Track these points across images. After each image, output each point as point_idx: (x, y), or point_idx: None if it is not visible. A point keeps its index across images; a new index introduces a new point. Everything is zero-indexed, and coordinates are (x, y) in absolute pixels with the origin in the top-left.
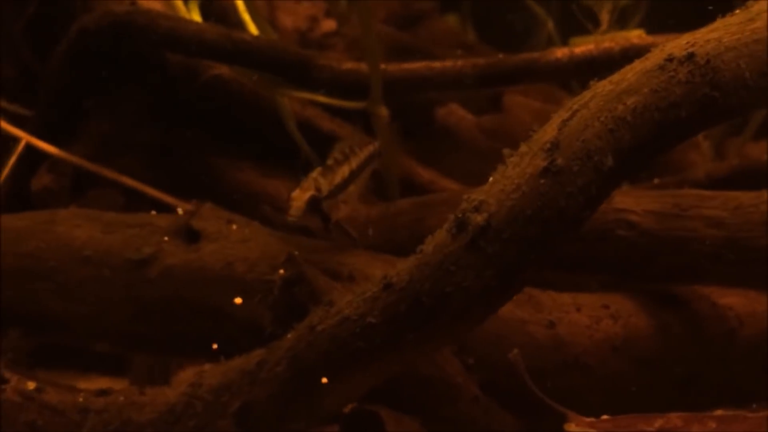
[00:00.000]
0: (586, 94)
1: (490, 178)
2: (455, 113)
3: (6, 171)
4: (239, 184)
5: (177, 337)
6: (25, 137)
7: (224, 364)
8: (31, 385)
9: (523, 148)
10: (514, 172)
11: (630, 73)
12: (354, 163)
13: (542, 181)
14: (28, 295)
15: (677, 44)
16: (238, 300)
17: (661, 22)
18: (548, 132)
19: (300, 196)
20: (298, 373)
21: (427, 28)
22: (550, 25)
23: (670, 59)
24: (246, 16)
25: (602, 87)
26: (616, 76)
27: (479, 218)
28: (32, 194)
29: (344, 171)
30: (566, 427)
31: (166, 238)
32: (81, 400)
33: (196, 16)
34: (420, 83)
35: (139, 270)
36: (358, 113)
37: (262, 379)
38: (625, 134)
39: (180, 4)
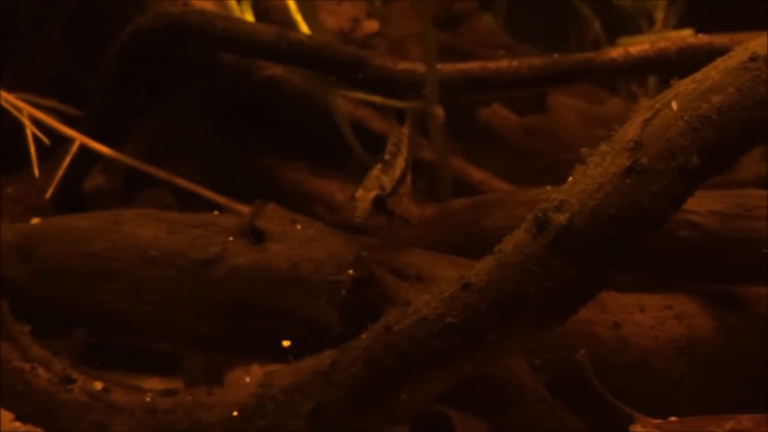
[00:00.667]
0: (668, 93)
1: (569, 178)
2: (498, 113)
3: (61, 172)
4: (291, 184)
5: (242, 337)
6: (79, 138)
7: (295, 364)
8: (99, 385)
9: (604, 147)
10: (596, 171)
11: (713, 71)
12: (405, 153)
13: (626, 180)
14: (94, 295)
15: (760, 43)
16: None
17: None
18: (630, 131)
19: (365, 196)
20: (374, 373)
21: (468, 28)
22: (597, 25)
23: (754, 58)
24: (298, 16)
25: (685, 86)
26: (698, 75)
27: (561, 218)
28: (84, 195)
29: (401, 163)
30: (632, 428)
31: (230, 239)
32: (148, 400)
33: (250, 17)
34: (475, 83)
35: (206, 270)
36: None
37: (336, 380)
38: (710, 133)
39: (233, 4)
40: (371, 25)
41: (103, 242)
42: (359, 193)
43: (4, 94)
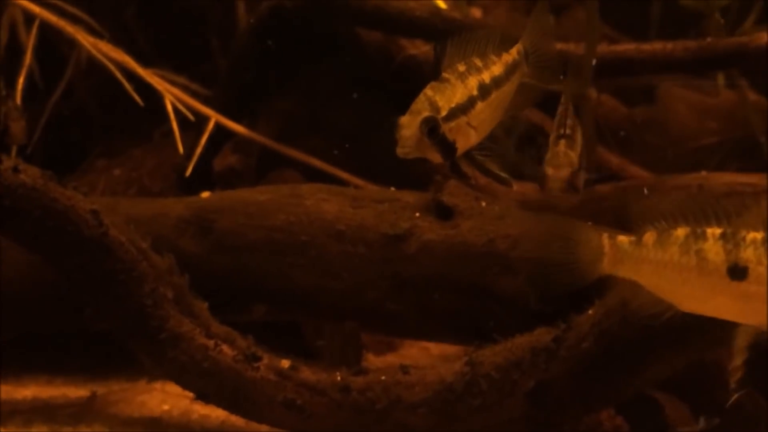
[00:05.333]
0: None
1: None
2: (606, 104)
3: (199, 150)
4: (429, 167)
5: (431, 314)
6: (214, 116)
7: (507, 341)
8: (286, 363)
9: None
10: None
11: None
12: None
13: None
14: (277, 270)
15: None
16: None
17: None
18: None
19: (557, 174)
20: (607, 350)
21: (569, 17)
22: (717, 15)
23: None
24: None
25: None
26: None
27: None
28: (214, 174)
29: (580, 138)
30: None
31: (417, 214)
32: (339, 379)
33: None
34: (629, 65)
35: (397, 245)
36: None
37: (561, 357)
38: None
39: None
40: (475, 12)
41: (285, 216)
42: (551, 171)
43: (143, 70)
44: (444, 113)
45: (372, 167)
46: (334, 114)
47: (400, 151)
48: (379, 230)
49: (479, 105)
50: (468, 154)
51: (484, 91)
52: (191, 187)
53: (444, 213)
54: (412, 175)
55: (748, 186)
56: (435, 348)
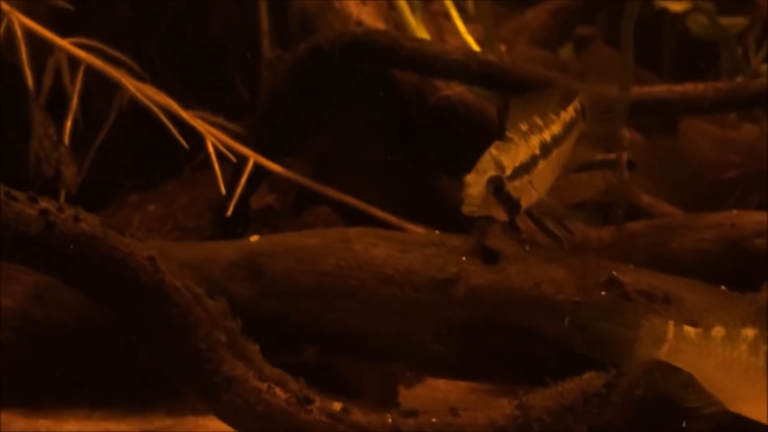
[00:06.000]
0: None
1: None
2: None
3: (239, 190)
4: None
5: (479, 357)
6: (252, 156)
7: (556, 386)
8: (338, 406)
9: None
10: None
11: None
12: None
13: None
14: (327, 313)
15: None
16: None
17: None
18: None
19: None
20: (661, 398)
21: (591, 52)
22: (740, 50)
23: None
24: (468, 38)
25: None
26: None
27: None
28: (252, 212)
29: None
30: None
31: (464, 258)
32: (390, 421)
33: (424, 34)
34: (662, 106)
35: (445, 290)
36: None
37: (613, 403)
38: None
39: (411, 20)
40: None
41: (335, 260)
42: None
43: (186, 112)
44: (509, 172)
45: (405, 203)
46: (369, 153)
47: (466, 210)
48: (427, 274)
49: (541, 164)
50: (527, 211)
51: (545, 150)
52: (227, 224)
53: (490, 257)
54: (444, 211)
55: None
56: (463, 381)
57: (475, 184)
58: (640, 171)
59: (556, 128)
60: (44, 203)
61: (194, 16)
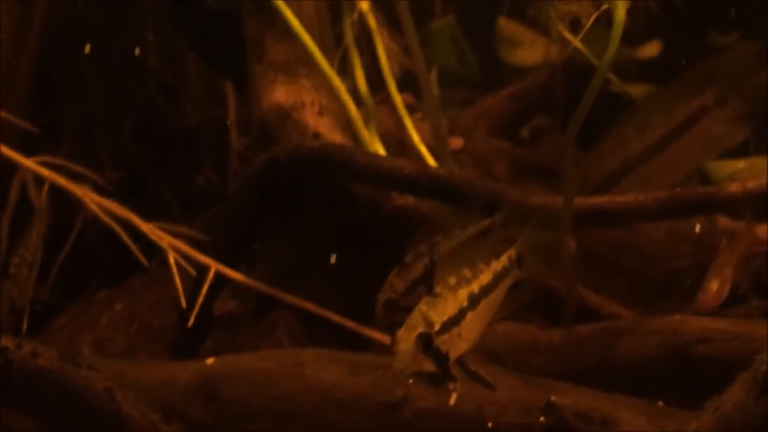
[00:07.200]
0: None
1: None
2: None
3: (200, 299)
4: None
5: None
6: (213, 265)
7: None
8: None
9: None
10: None
11: None
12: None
13: None
14: None
15: None
16: None
17: None
18: None
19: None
20: None
21: (547, 143)
22: None
23: None
24: (422, 148)
25: None
26: None
27: None
28: (215, 318)
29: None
30: None
31: (410, 381)
32: None
33: (379, 148)
34: (604, 216)
35: (392, 413)
36: None
37: None
38: None
39: (365, 134)
40: (456, 142)
41: (287, 384)
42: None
43: (146, 225)
44: (437, 327)
45: (364, 308)
46: (327, 258)
47: (397, 366)
48: (375, 398)
49: (469, 315)
50: (458, 360)
51: (474, 301)
52: (191, 330)
53: (435, 380)
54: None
55: (718, 332)
56: None
57: (406, 340)
58: (594, 261)
59: (485, 278)
60: (4, 341)
61: (168, 102)
